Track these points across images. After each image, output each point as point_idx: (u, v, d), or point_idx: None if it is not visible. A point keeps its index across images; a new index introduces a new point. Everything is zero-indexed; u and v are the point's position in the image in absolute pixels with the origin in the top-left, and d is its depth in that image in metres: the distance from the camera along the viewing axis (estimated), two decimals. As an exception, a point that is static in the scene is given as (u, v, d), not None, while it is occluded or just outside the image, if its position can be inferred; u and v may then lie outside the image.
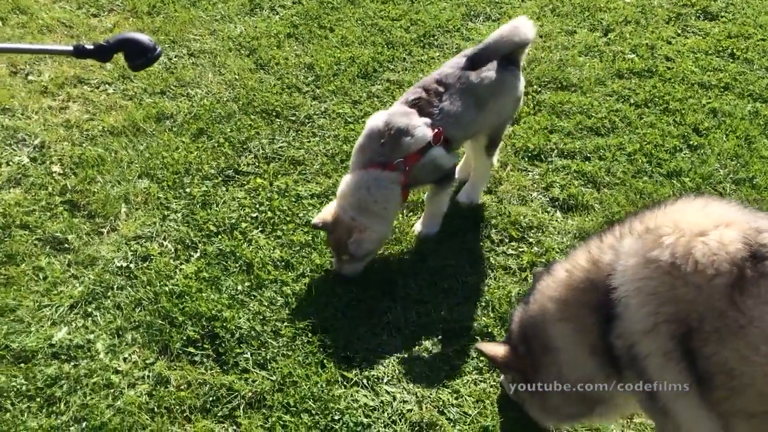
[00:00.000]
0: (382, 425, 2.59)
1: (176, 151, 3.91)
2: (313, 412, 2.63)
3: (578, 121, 4.07)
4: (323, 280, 3.15)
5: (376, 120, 3.13)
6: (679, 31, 4.95)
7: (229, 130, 4.07)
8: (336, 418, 2.60)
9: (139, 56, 2.67)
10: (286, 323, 2.98)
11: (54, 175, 3.72)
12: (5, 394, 2.69)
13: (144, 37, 2.67)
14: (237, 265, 3.23)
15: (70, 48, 2.64)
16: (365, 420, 2.60)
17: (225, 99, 4.33)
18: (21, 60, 4.59)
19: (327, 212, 3.12)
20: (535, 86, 4.39)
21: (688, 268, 1.69)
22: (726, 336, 1.66)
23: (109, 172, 3.74)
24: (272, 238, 3.38)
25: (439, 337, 2.92)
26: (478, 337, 2.90)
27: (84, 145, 3.94)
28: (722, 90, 4.34)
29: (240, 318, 2.98)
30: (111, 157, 3.84)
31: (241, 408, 2.66)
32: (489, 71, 3.20)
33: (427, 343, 2.89)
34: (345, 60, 4.67)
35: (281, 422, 2.59)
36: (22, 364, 2.80)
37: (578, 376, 2.06)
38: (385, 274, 3.17)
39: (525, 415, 2.57)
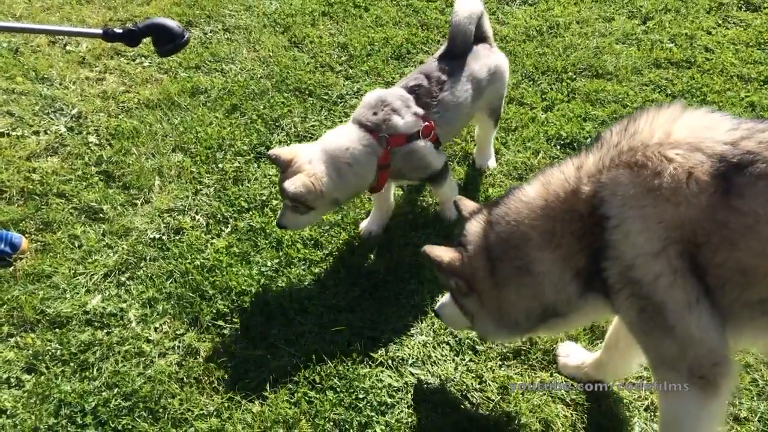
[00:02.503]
0: (406, 406, 2.62)
1: (210, 126, 3.95)
2: (338, 389, 2.67)
3: (613, 110, 4.03)
4: (351, 261, 3.18)
5: (371, 94, 3.09)
6: (720, 22, 4.85)
7: (262, 107, 4.09)
8: (360, 396, 2.64)
9: (167, 42, 2.72)
10: (313, 301, 3.02)
11: (90, 145, 3.79)
12: (40, 358, 2.77)
13: (173, 23, 2.72)
14: (267, 241, 3.27)
15: (100, 31, 2.71)
16: (389, 400, 2.64)
17: (259, 76, 4.35)
18: (60, 30, 4.65)
19: (289, 149, 2.97)
20: (570, 73, 4.34)
21: (690, 190, 1.83)
22: (737, 240, 1.81)
23: (143, 145, 3.80)
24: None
25: (465, 321, 2.94)
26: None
27: (120, 116, 4.00)
28: (762, 83, 4.25)
29: (268, 294, 3.03)
30: (146, 130, 3.90)
31: (268, 382, 2.71)
32: (485, 57, 3.23)
33: (453, 327, 2.91)
34: (379, 40, 4.66)
35: (307, 398, 2.64)
36: (57, 330, 2.88)
37: (558, 298, 2.15)
38: (413, 256, 3.19)
39: (548, 401, 2.60)
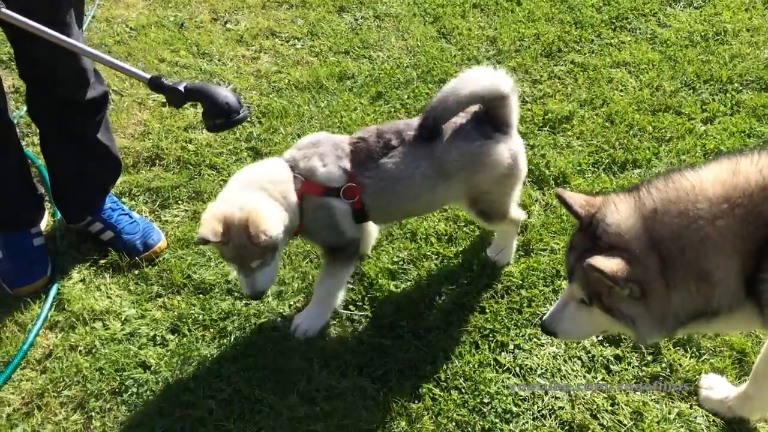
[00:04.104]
0: (531, 417, 2.56)
1: (354, 111, 4.01)
2: (463, 390, 2.64)
3: (782, 128, 3.72)
4: (485, 260, 3.13)
5: (306, 137, 2.81)
6: None
7: (406, 96, 4.11)
8: (485, 401, 2.60)
9: (219, 116, 2.36)
10: (443, 297, 3.01)
11: (242, 121, 3.95)
12: (184, 320, 2.93)
13: (223, 98, 2.35)
14: (401, 231, 3.29)
15: (147, 77, 2.39)
16: (514, 408, 2.58)
17: (405, 65, 4.36)
18: (222, 7, 4.90)
19: (213, 221, 2.41)
20: (735, 84, 4.04)
21: None
22: None
23: (290, 125, 3.92)
24: (438, 210, 3.38)
25: (599, 338, 2.82)
26: (641, 348, 2.76)
27: (270, 95, 4.15)
28: None
29: (398, 287, 3.04)
30: (294, 110, 4.02)
31: (393, 373, 2.72)
32: (462, 140, 2.67)
33: (586, 342, 2.80)
34: (529, 36, 4.54)
35: (431, 394, 2.63)
36: (201, 295, 3.04)
37: (725, 304, 1.95)
38: (549, 263, 3.10)
39: (684, 436, 2.46)
